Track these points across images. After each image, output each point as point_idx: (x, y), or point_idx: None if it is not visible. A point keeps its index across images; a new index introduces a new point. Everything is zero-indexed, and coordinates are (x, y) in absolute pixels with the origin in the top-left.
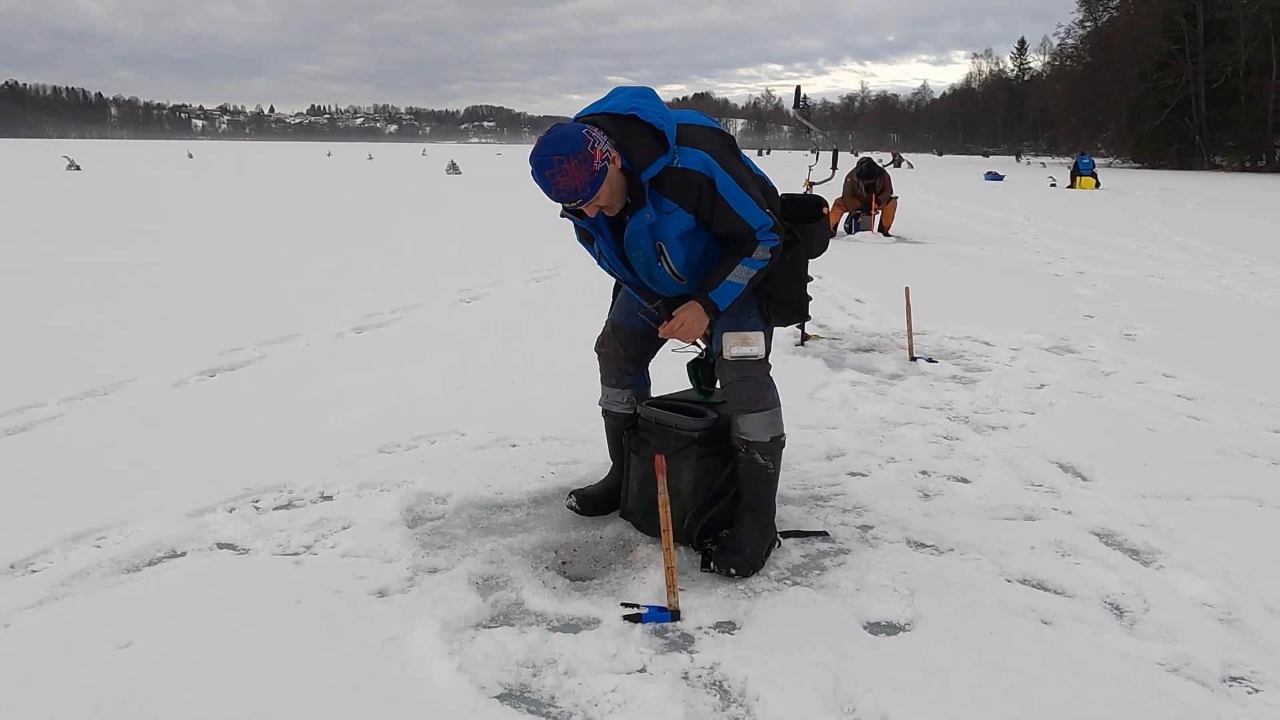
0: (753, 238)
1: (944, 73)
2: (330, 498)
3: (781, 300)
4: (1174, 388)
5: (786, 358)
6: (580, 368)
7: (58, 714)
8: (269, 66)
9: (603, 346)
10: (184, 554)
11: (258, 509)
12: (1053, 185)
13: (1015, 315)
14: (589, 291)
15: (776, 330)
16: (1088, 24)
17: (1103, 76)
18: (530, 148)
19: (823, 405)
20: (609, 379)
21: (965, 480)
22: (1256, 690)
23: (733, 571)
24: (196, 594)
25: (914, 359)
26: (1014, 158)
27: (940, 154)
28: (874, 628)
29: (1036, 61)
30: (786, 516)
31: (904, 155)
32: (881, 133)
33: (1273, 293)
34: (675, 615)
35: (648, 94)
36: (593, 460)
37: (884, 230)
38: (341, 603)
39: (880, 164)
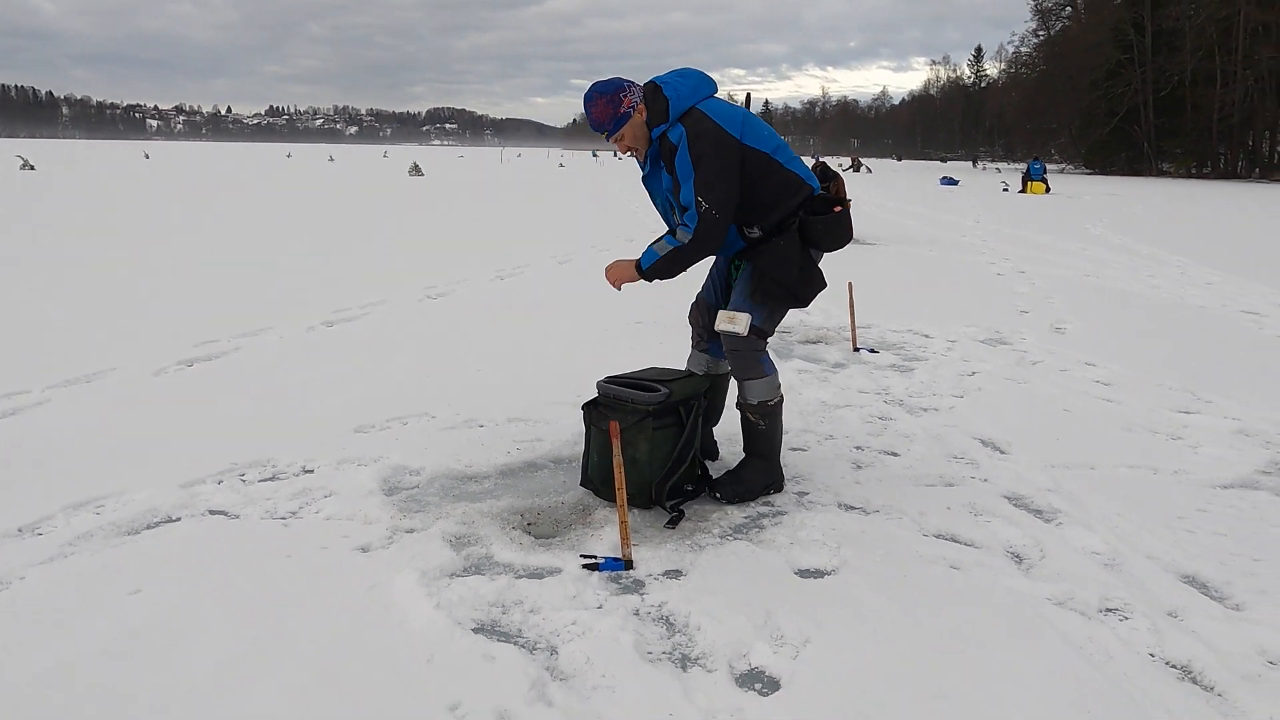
0: (681, 216)
1: (904, 79)
2: (312, 471)
3: (774, 281)
4: (1094, 375)
5: None
6: (541, 358)
7: (77, 650)
8: (229, 66)
9: (690, 316)
10: (179, 519)
11: (244, 481)
12: (1005, 190)
13: (955, 311)
14: (551, 289)
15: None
16: (1040, 33)
17: (1055, 84)
18: (493, 150)
19: (805, 380)
20: (693, 342)
21: (895, 454)
22: (1126, 618)
23: (718, 495)
24: (195, 551)
25: (857, 350)
26: (970, 163)
27: (900, 159)
28: (804, 573)
29: (993, 69)
30: None
31: (863, 160)
32: (843, 138)
33: (1197, 291)
34: (629, 564)
35: (687, 74)
36: (555, 439)
37: None
38: (328, 557)
39: (840, 168)
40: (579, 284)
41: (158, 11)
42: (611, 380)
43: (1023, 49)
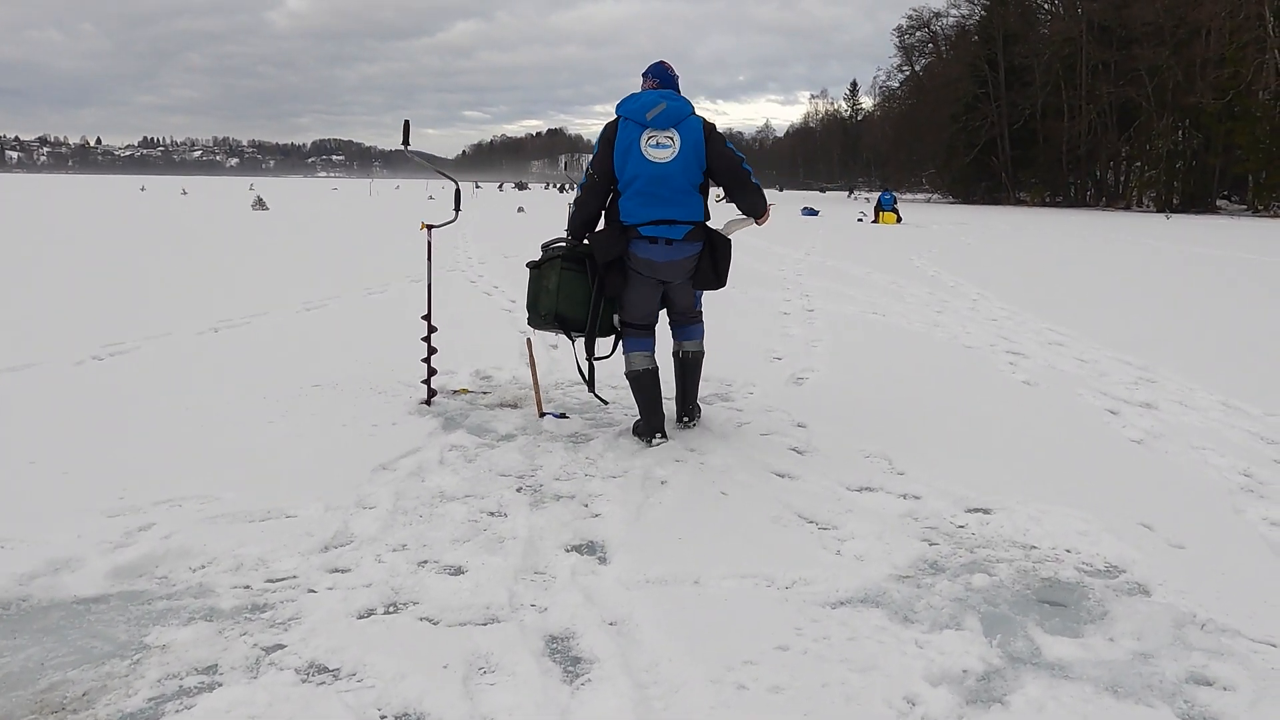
0: None
1: (791, 111)
2: None
3: None
4: (795, 440)
5: (401, 418)
6: (138, 442)
7: None
8: (99, 96)
9: None
10: None
11: None
12: (860, 220)
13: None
14: (265, 344)
15: (398, 393)
16: (905, 69)
17: (921, 117)
18: (379, 182)
19: (388, 477)
20: None
21: (462, 571)
22: None
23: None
24: None
25: (543, 415)
26: (847, 193)
27: (781, 189)
28: None
29: (868, 102)
30: (188, 639)
31: None
32: None
33: (976, 328)
34: None
35: (641, 98)
36: (34, 557)
37: None
38: None
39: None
40: (307, 335)
41: (19, 39)
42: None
43: (890, 84)
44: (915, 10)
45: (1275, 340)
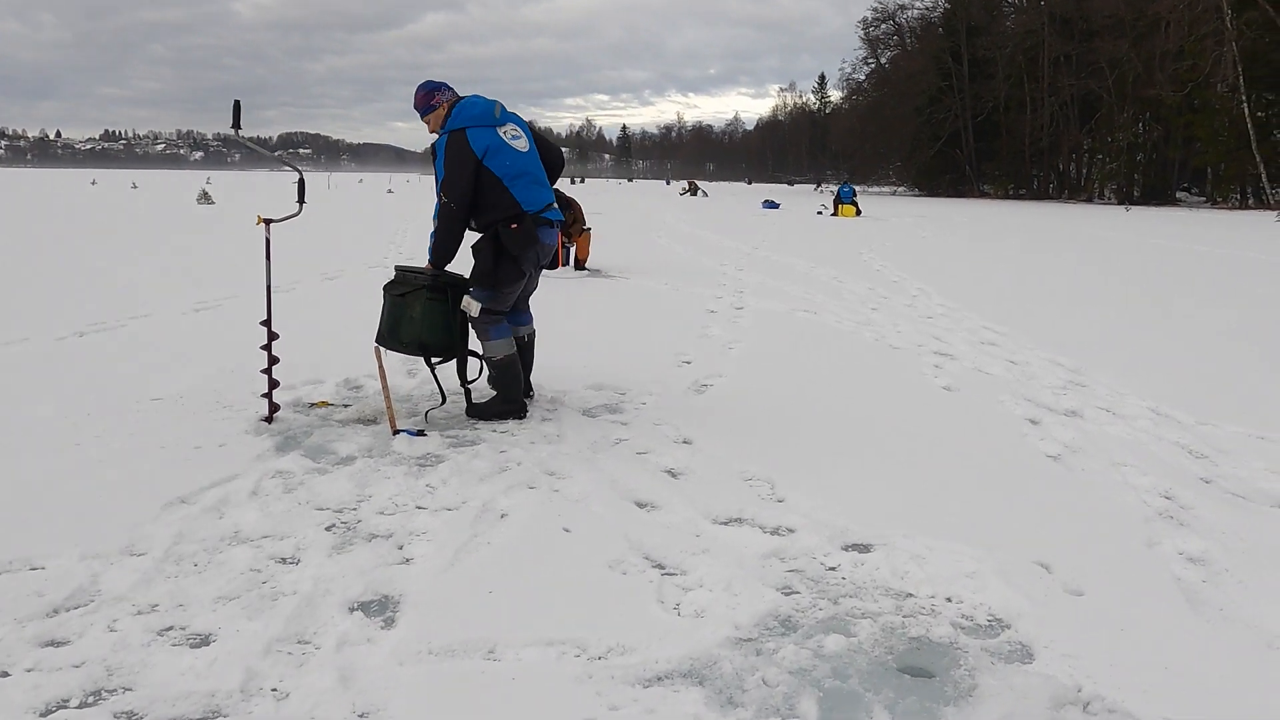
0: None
1: (761, 105)
2: None
3: (478, 271)
4: (671, 460)
5: (233, 438)
6: None
7: None
8: (59, 89)
9: None
10: None
11: None
12: (819, 213)
13: (601, 364)
14: (127, 356)
15: (245, 406)
16: (870, 62)
17: (886, 110)
18: (347, 175)
19: (179, 514)
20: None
21: (206, 642)
22: None
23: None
24: None
25: (396, 433)
26: (814, 186)
27: (749, 182)
28: None
29: (836, 95)
30: None
31: (699, 184)
32: (699, 162)
33: (909, 326)
34: None
35: (476, 103)
36: None
37: (580, 264)
38: None
39: (681, 193)
40: (181, 339)
41: None
42: (403, 268)
43: (856, 76)
44: (881, 2)
45: (1217, 339)
